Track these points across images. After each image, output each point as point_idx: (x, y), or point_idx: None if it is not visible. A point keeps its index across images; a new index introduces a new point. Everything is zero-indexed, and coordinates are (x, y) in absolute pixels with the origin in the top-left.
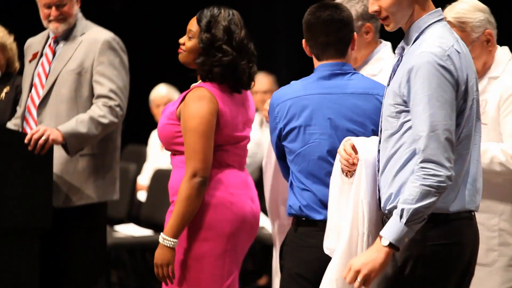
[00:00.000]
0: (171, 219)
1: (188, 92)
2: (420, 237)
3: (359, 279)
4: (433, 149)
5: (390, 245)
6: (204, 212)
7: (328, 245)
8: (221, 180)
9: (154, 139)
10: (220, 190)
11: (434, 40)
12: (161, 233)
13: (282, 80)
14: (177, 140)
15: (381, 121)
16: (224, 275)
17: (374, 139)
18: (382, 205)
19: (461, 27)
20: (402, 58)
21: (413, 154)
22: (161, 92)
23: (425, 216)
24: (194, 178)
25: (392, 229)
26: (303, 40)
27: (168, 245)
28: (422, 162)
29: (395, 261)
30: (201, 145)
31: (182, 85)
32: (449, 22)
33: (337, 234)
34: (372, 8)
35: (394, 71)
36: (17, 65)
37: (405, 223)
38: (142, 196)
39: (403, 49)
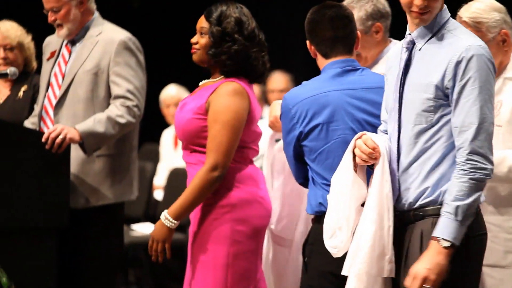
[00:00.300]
0: (179, 202)
1: (219, 85)
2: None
3: (428, 285)
4: (481, 141)
5: (451, 245)
6: (241, 208)
7: (336, 244)
8: (251, 176)
9: (165, 138)
10: (251, 186)
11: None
12: (165, 211)
13: (298, 79)
14: (204, 134)
15: (404, 116)
16: (256, 270)
17: (380, 135)
18: (408, 200)
19: (476, 27)
20: (411, 52)
21: (452, 147)
22: (171, 93)
23: (473, 210)
24: (214, 171)
25: (450, 229)
26: (308, 42)
27: (168, 225)
28: (469, 153)
29: None
30: (228, 139)
31: (192, 86)
32: (464, 22)
33: (347, 230)
34: (422, 3)
35: (406, 65)
36: (34, 64)
37: (461, 221)
38: (158, 195)
39: (413, 43)
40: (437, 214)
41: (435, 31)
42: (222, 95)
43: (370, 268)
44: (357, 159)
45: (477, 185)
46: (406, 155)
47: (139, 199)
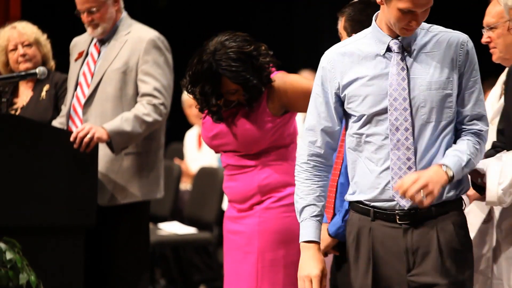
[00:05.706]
0: None
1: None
2: None
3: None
4: None
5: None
6: None
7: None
8: None
9: (189, 139)
10: None
11: (446, 28)
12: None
13: None
14: (275, 136)
15: (419, 116)
16: None
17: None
18: None
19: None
20: (408, 52)
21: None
22: None
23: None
24: None
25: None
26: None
27: None
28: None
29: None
30: None
31: None
32: None
33: None
34: (418, 25)
35: (402, 69)
36: (52, 63)
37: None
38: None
39: (403, 48)
40: (460, 207)
41: (417, 34)
42: (285, 80)
43: None
44: None
45: None
46: (426, 153)
47: (166, 198)
